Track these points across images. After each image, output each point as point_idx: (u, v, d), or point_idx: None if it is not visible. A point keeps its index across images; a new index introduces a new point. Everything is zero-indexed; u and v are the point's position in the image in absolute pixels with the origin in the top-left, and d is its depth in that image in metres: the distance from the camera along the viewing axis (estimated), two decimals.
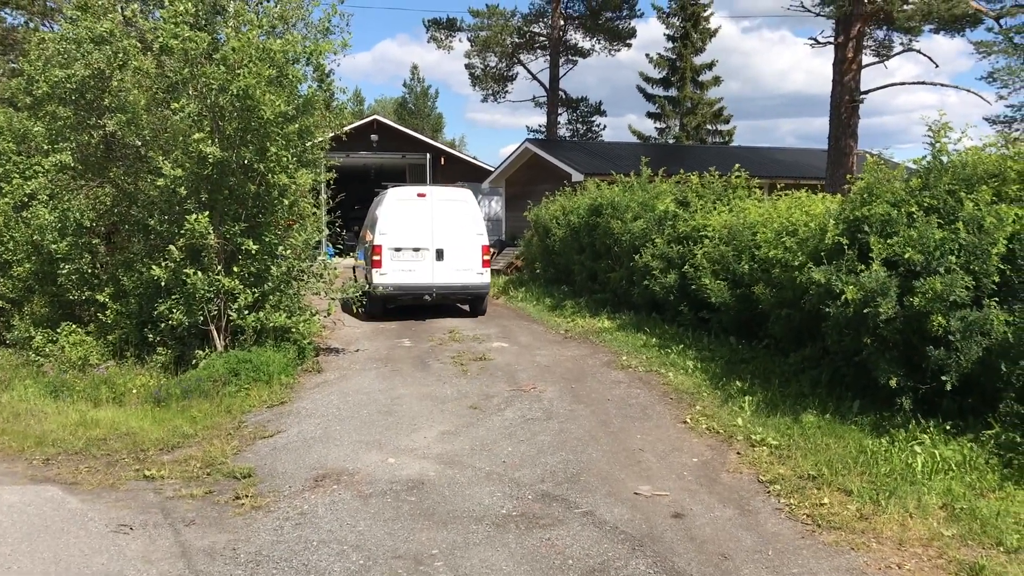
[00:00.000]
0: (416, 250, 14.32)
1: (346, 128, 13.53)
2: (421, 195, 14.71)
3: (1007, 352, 6.74)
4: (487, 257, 14.60)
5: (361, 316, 14.68)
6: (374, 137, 31.82)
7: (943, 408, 7.21)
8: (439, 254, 14.38)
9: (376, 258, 14.08)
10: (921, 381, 7.25)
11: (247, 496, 6.39)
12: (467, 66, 35.37)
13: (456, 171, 32.62)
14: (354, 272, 17.71)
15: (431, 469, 6.88)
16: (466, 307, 15.76)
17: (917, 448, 6.68)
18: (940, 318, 6.82)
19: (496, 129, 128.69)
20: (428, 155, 32.79)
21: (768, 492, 6.25)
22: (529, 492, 6.32)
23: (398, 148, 32.61)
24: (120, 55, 11.08)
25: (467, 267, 14.46)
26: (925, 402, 7.29)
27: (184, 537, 5.65)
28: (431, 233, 14.40)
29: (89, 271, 12.49)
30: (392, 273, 14.09)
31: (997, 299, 6.86)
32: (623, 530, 5.57)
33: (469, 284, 14.59)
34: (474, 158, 35.18)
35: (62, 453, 7.83)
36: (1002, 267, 6.92)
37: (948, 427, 7.00)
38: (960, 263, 7.00)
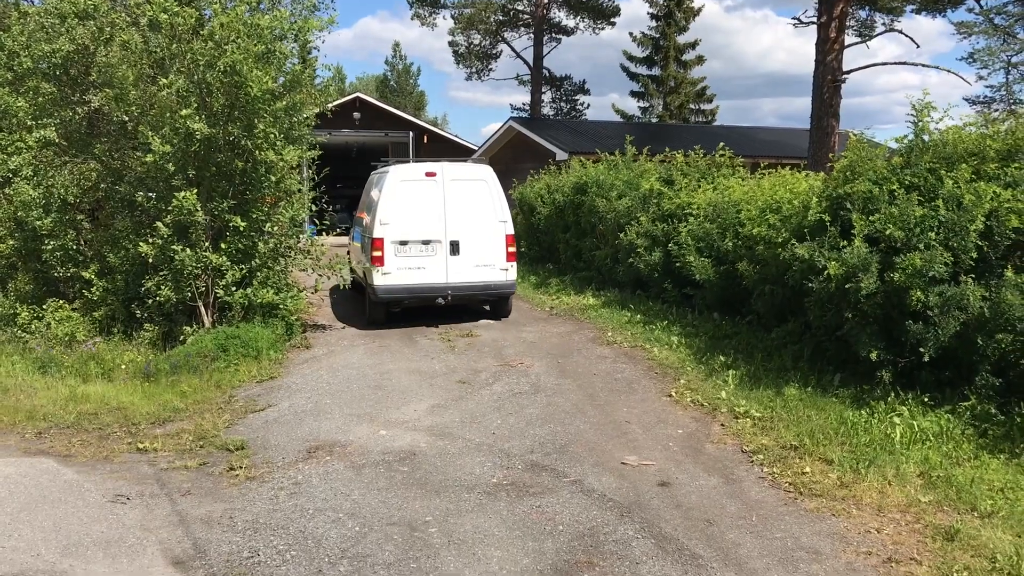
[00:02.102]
0: (426, 243, 11.52)
1: (330, 105, 13.44)
2: (430, 174, 11.73)
3: (983, 326, 6.93)
4: (512, 249, 11.87)
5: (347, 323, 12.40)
6: (357, 115, 31.65)
7: (921, 381, 7.40)
8: (454, 247, 11.57)
9: (377, 254, 11.34)
10: (900, 355, 7.44)
11: (241, 467, 6.49)
12: (451, 44, 35.24)
13: (439, 150, 32.50)
14: (348, 256, 14.86)
15: (422, 441, 7.00)
16: (486, 307, 12.94)
17: (896, 419, 6.86)
18: (919, 293, 6.99)
19: (478, 107, 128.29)
20: (411, 133, 32.66)
21: (751, 462, 6.42)
22: (519, 462, 6.46)
23: (381, 126, 32.45)
24: (107, 29, 11.03)
25: (488, 262, 11.71)
26: (904, 375, 7.48)
27: (181, 506, 5.75)
28: (444, 221, 11.56)
29: (74, 248, 12.45)
30: (397, 272, 11.39)
31: (974, 275, 7.04)
32: (611, 498, 5.72)
33: (491, 283, 11.78)
34: (457, 136, 35.10)
35: (54, 427, 7.88)
36: (980, 243, 7.10)
37: (926, 399, 7.19)
38: (939, 240, 7.17)
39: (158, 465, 6.68)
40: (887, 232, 7.35)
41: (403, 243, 11.48)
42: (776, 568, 4.71)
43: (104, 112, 11.90)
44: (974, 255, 7.11)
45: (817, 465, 6.22)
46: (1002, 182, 7.37)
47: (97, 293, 11.71)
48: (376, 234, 11.42)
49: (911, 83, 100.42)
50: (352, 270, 13.85)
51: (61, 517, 5.55)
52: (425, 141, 33.19)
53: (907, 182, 7.74)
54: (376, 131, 32.61)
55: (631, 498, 5.72)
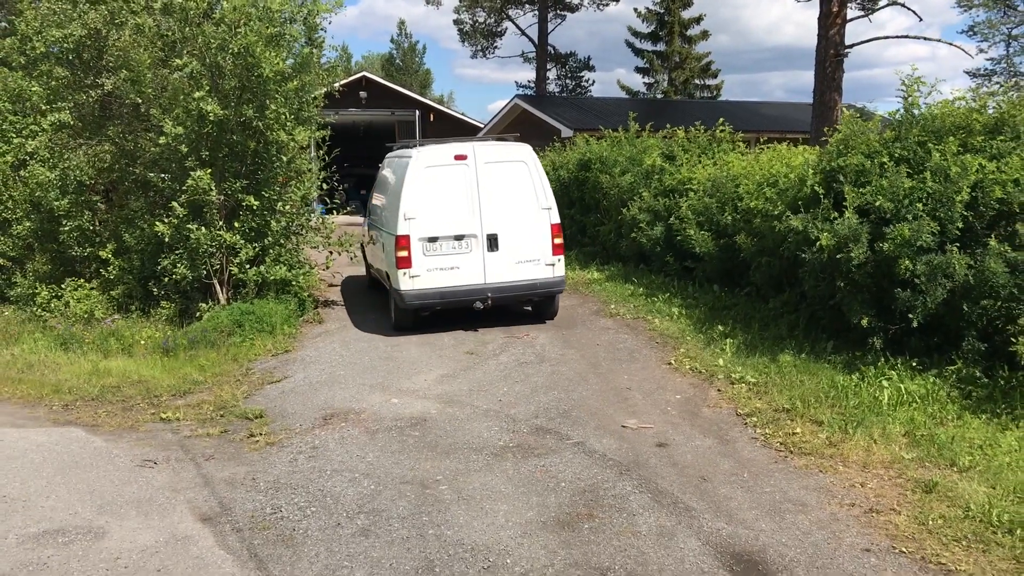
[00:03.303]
0: (459, 239, 9.91)
1: (336, 84, 13.63)
2: (460, 157, 10.08)
3: (969, 293, 7.22)
4: (559, 240, 10.28)
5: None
6: (363, 94, 31.81)
7: (910, 346, 7.70)
8: (492, 242, 9.97)
9: (402, 254, 9.78)
10: (891, 321, 7.74)
11: (261, 434, 6.84)
12: (456, 22, 35.40)
13: (445, 128, 32.68)
14: (363, 250, 13.53)
15: (432, 408, 7.35)
16: (527, 307, 11.30)
17: (885, 383, 7.17)
18: (908, 262, 7.28)
19: (484, 84, 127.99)
20: (417, 112, 32.83)
21: (745, 424, 6.75)
22: (524, 426, 6.80)
23: (387, 105, 32.61)
24: (122, 13, 11.30)
25: (532, 256, 10.09)
26: (894, 341, 7.78)
27: (205, 470, 6.10)
28: (479, 212, 9.97)
29: (90, 228, 12.80)
30: (427, 275, 9.81)
31: (960, 244, 7.32)
32: (611, 458, 6.06)
33: (537, 280, 10.14)
34: (463, 114, 35.26)
35: (79, 399, 8.25)
36: (965, 214, 7.37)
37: (914, 364, 7.49)
38: (927, 210, 7.44)
39: (181, 433, 7.04)
40: (877, 204, 7.63)
41: (432, 240, 9.85)
42: (764, 519, 5.04)
43: (117, 95, 12.18)
44: (960, 225, 7.38)
45: (807, 426, 6.55)
46: (987, 154, 7.63)
47: (114, 272, 12.07)
48: (400, 230, 9.81)
49: (920, 55, 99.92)
50: (369, 265, 13.04)
51: (94, 480, 5.92)
52: (431, 119, 33.36)
53: (897, 155, 8.00)
54: (382, 110, 32.78)
55: (630, 458, 6.06)
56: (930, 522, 4.92)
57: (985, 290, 7.15)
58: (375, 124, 35.81)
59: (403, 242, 9.83)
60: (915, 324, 7.35)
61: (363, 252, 13.49)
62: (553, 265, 10.21)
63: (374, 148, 35.36)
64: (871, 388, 7.16)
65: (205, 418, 7.44)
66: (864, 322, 7.66)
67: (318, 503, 5.40)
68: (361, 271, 14.56)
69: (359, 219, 14.49)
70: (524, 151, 10.46)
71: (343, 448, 6.43)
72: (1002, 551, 4.55)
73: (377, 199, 12.25)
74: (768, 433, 6.50)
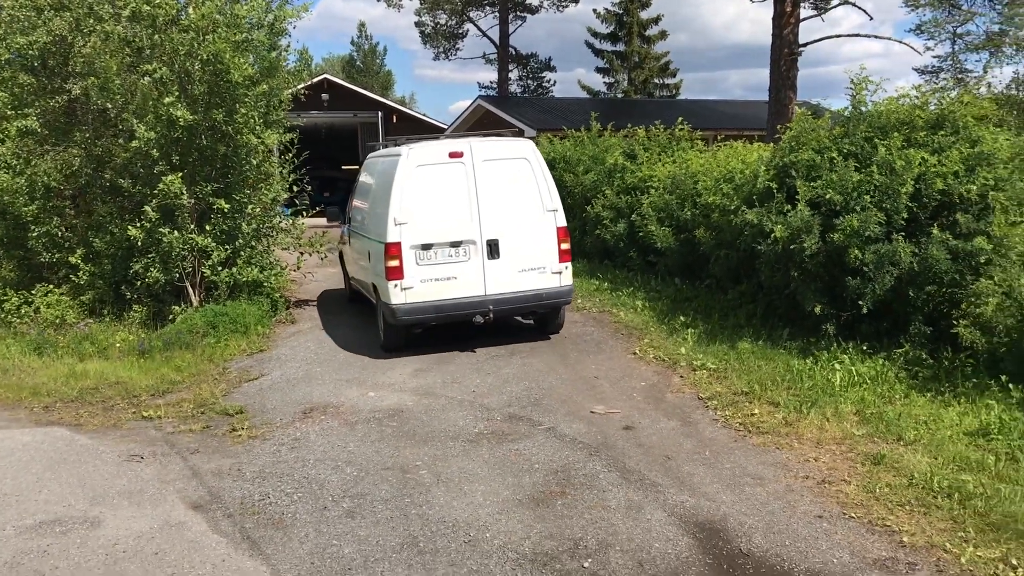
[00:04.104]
0: (455, 245, 9.01)
1: (300, 86, 13.75)
2: (455, 154, 9.16)
3: (914, 280, 7.67)
4: (567, 245, 9.37)
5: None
6: (325, 96, 31.87)
7: (861, 331, 8.14)
8: (492, 248, 9.07)
9: (392, 264, 8.84)
10: (842, 308, 8.17)
11: (243, 428, 7.07)
12: (417, 24, 35.58)
13: (408, 129, 32.79)
14: (341, 259, 12.89)
15: (408, 400, 7.63)
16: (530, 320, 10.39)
17: (837, 366, 7.60)
18: (857, 251, 7.71)
19: (445, 85, 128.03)
20: (380, 113, 32.94)
21: (706, 407, 7.13)
22: (498, 415, 7.11)
23: (349, 107, 32.69)
24: (90, 20, 11.40)
25: (537, 264, 9.21)
26: (846, 327, 8.21)
27: (191, 462, 6.33)
28: (477, 215, 9.06)
29: (59, 234, 12.85)
30: (421, 286, 8.89)
31: (905, 233, 7.76)
32: (581, 441, 6.40)
33: (543, 290, 9.24)
34: (426, 115, 35.46)
35: (59, 401, 8.39)
36: (910, 205, 7.81)
37: (865, 347, 7.94)
38: (874, 202, 7.88)
39: (164, 430, 7.24)
40: (827, 196, 8.05)
41: (426, 247, 8.91)
42: (725, 491, 5.40)
43: (83, 101, 12.26)
44: (905, 216, 7.82)
45: (765, 407, 6.94)
46: (930, 149, 8.08)
47: (84, 277, 12.13)
48: (390, 237, 8.84)
49: (875, 51, 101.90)
50: (350, 277, 12.15)
51: (83, 474, 6.12)
52: (394, 121, 33.49)
53: (845, 150, 8.44)
54: (345, 112, 32.86)
55: (599, 440, 6.39)
56: (877, 490, 5.31)
57: (929, 276, 7.60)
58: (337, 126, 35.87)
59: (393, 250, 8.86)
60: (865, 310, 7.78)
61: (341, 261, 12.76)
62: (560, 273, 9.30)
63: (336, 150, 35.50)
64: (824, 371, 7.57)
65: (186, 415, 7.64)
66: (817, 309, 8.08)
67: (304, 489, 5.66)
68: (337, 284, 14.42)
69: (323, 221, 14.03)
70: (526, 147, 9.59)
71: (324, 439, 6.69)
72: (941, 513, 4.95)
73: (360, 203, 11.24)
74: (728, 415, 6.88)
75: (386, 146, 10.43)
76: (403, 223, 8.90)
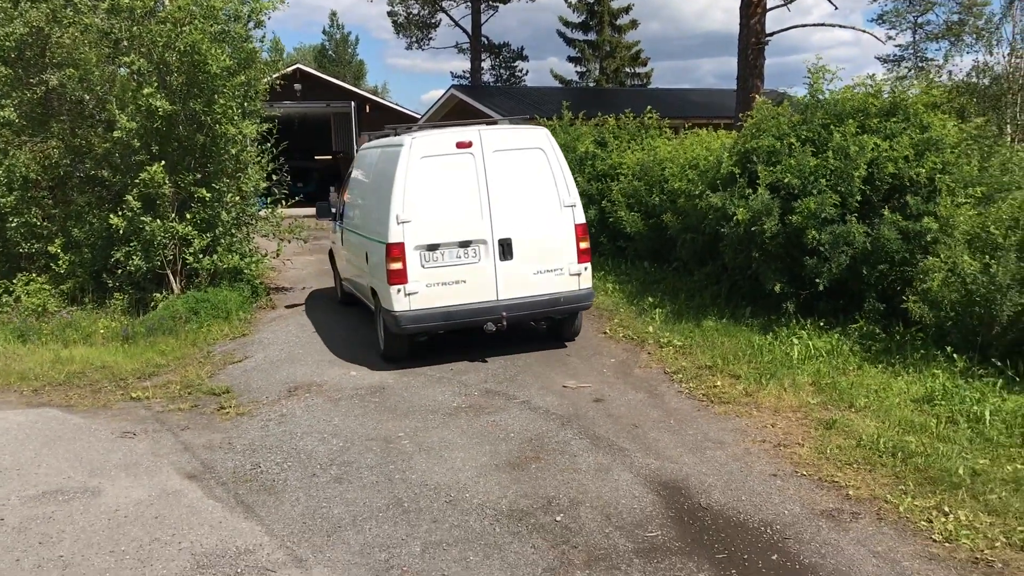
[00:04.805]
0: (465, 245, 8.19)
1: (275, 76, 13.90)
2: (463, 144, 8.32)
3: (868, 259, 8.11)
4: (586, 244, 8.60)
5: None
6: (297, 87, 31.90)
7: (819, 309, 8.59)
8: (504, 248, 8.24)
9: (395, 267, 8.02)
10: (801, 287, 8.60)
11: (230, 406, 7.38)
12: (390, 14, 35.64)
13: (382, 119, 32.94)
14: (331, 259, 12.28)
15: (389, 378, 7.97)
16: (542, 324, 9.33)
17: (795, 341, 8.03)
18: (814, 232, 8.14)
19: (416, 74, 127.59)
20: (353, 103, 33.03)
21: (672, 380, 7.54)
22: (475, 390, 7.47)
23: (322, 97, 32.74)
24: (68, 11, 11.57)
25: (553, 265, 8.40)
26: (805, 305, 8.65)
27: (183, 438, 6.63)
28: (488, 212, 8.24)
29: (37, 224, 13.00)
30: (426, 291, 8.07)
31: (859, 215, 8.20)
32: (554, 412, 6.78)
33: (560, 294, 8.42)
34: (399, 105, 35.62)
35: (47, 385, 8.64)
36: (863, 188, 8.25)
37: (822, 323, 8.39)
38: (830, 185, 8.31)
39: (153, 409, 7.53)
40: (786, 181, 8.47)
41: (432, 248, 8.10)
42: (688, 455, 5.80)
43: (61, 92, 12.41)
44: (859, 198, 8.26)
45: (727, 380, 7.36)
46: (882, 135, 8.52)
47: (64, 266, 12.32)
48: (392, 237, 8.03)
49: (846, 39, 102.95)
50: (343, 278, 11.30)
51: (79, 450, 6.41)
52: (367, 111, 33.61)
53: (803, 137, 8.86)
54: (317, 102, 32.92)
55: (570, 412, 6.78)
56: (828, 451, 5.73)
57: (882, 256, 8.05)
58: (310, 116, 35.91)
59: (396, 251, 8.01)
60: (822, 288, 8.22)
61: (331, 261, 12.27)
62: (579, 275, 8.50)
63: (309, 141, 35.54)
64: (783, 346, 8.01)
65: (174, 395, 7.93)
66: (777, 288, 8.51)
67: (293, 459, 5.99)
68: (318, 275, 14.47)
69: (299, 212, 13.97)
70: (540, 135, 8.67)
71: (309, 414, 7.02)
72: (884, 470, 5.38)
73: (354, 198, 10.28)
74: (692, 387, 7.29)
75: (392, 134, 9.42)
76: (406, 221, 8.03)
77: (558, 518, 4.89)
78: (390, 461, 5.87)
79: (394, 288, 8.03)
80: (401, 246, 8.03)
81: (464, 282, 8.19)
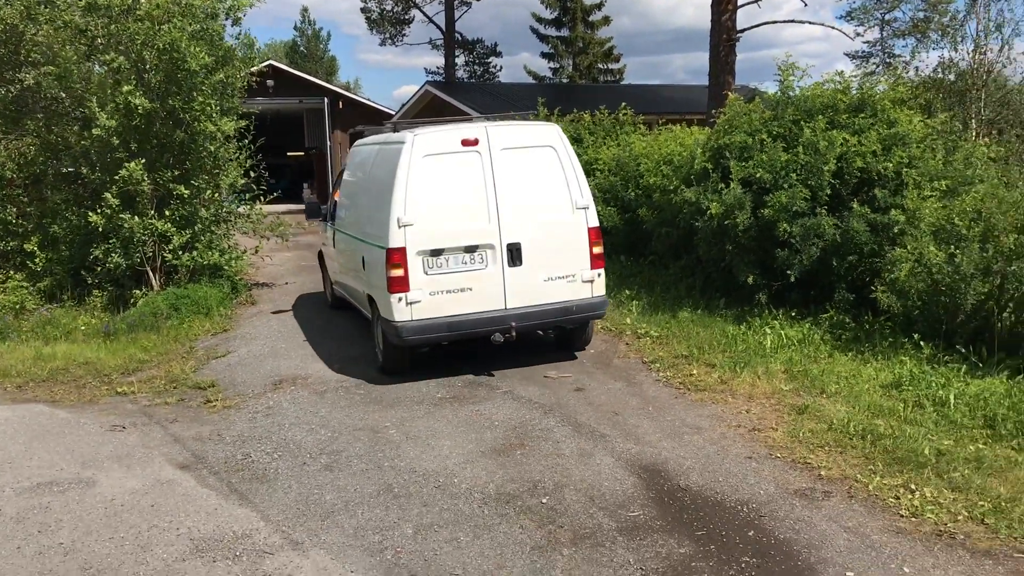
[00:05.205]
0: (471, 250, 7.67)
1: (252, 69, 13.89)
2: (469, 142, 7.75)
3: (837, 250, 8.38)
4: (599, 249, 8.10)
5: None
6: (270, 83, 31.79)
7: (791, 299, 8.85)
8: (513, 253, 7.72)
9: (396, 273, 7.48)
10: (773, 279, 8.86)
11: (216, 400, 7.49)
12: (363, 10, 35.64)
13: (355, 115, 32.93)
14: (320, 261, 11.93)
15: (374, 372, 8.11)
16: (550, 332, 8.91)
17: (768, 330, 8.29)
18: (785, 225, 8.39)
19: (388, 70, 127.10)
20: (326, 99, 32.94)
21: (650, 369, 7.76)
22: (459, 381, 7.64)
23: (294, 93, 32.61)
24: (42, 8, 11.56)
25: (565, 271, 7.89)
26: (777, 295, 8.92)
27: (172, 430, 6.74)
28: (496, 215, 7.70)
29: (12, 221, 12.95)
30: (430, 300, 7.55)
31: (828, 208, 8.47)
32: (536, 401, 6.97)
33: (572, 302, 7.92)
34: (372, 101, 35.57)
35: (31, 381, 8.67)
36: (833, 181, 8.52)
37: (794, 314, 8.65)
38: (800, 180, 8.57)
39: (140, 403, 7.62)
40: (758, 175, 8.72)
41: (436, 253, 7.58)
42: (666, 440, 6.01)
43: (34, 89, 12.38)
44: (828, 192, 8.53)
45: (702, 368, 7.59)
46: (851, 130, 8.81)
47: (40, 264, 12.30)
48: (393, 242, 7.48)
49: (816, 35, 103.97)
50: (334, 281, 10.85)
51: (70, 443, 6.50)
52: (340, 107, 33.56)
53: (774, 132, 9.12)
54: (290, 98, 32.79)
55: (552, 401, 6.97)
56: (801, 435, 5.96)
57: (851, 247, 8.32)
58: (283, 113, 35.77)
59: (396, 257, 7.48)
60: (793, 279, 8.49)
61: (321, 263, 11.90)
62: (592, 282, 8.01)
63: (281, 138, 35.40)
64: (756, 335, 8.26)
65: (159, 390, 8.01)
66: (750, 280, 8.77)
67: (283, 449, 6.13)
68: (304, 279, 14.33)
69: (275, 208, 13.83)
70: (551, 132, 8.14)
71: (296, 407, 7.15)
72: (855, 451, 5.62)
73: (348, 198, 9.75)
74: (669, 376, 7.51)
75: (383, 131, 8.78)
76: (408, 225, 7.47)
77: (544, 500, 5.08)
78: (378, 450, 6.02)
79: (394, 296, 7.48)
80: (402, 251, 7.49)
81: (470, 290, 7.65)
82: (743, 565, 4.26)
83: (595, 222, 8.08)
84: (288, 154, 35.07)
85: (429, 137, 7.79)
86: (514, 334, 7.66)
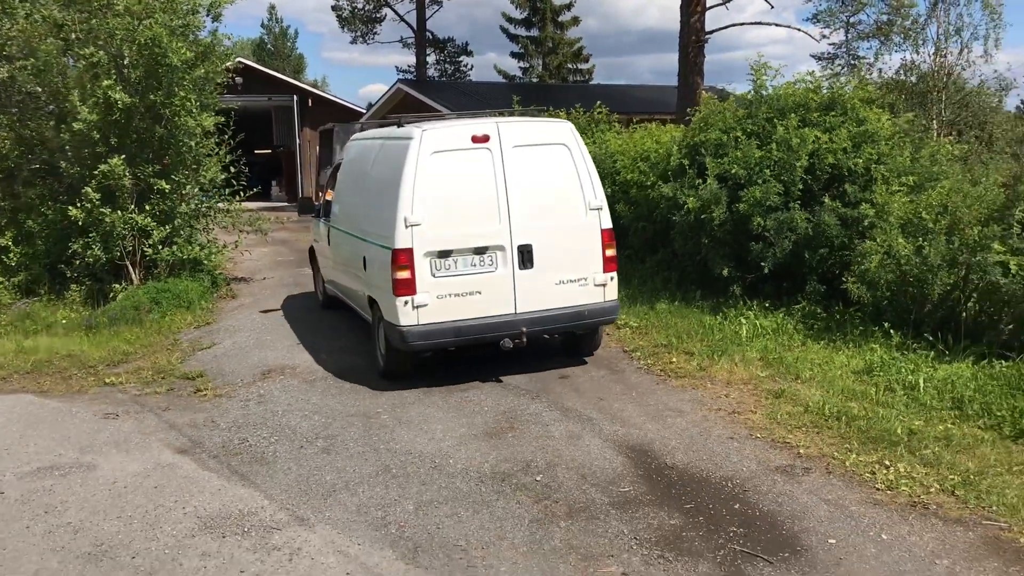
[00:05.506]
0: (480, 252, 7.32)
1: (227, 65, 13.91)
2: (480, 139, 7.39)
3: (810, 244, 8.69)
4: (612, 252, 7.75)
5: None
6: (239, 80, 31.64)
7: (764, 291, 9.16)
8: (524, 255, 7.36)
9: (402, 275, 7.12)
10: (747, 271, 9.16)
11: (207, 389, 7.60)
12: (334, 8, 35.62)
13: (325, 113, 32.88)
14: (311, 257, 11.57)
15: (360, 361, 8.27)
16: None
17: (743, 320, 8.58)
18: (759, 219, 8.68)
19: (354, 68, 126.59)
20: (295, 97, 32.79)
21: (631, 357, 8.02)
22: (448, 370, 7.82)
23: (263, 90, 32.47)
24: (16, 2, 11.54)
25: (577, 274, 7.54)
26: (751, 287, 9.22)
27: (166, 418, 6.85)
28: (506, 215, 7.35)
29: None
30: (437, 303, 7.19)
31: (801, 203, 8.78)
32: (523, 388, 7.19)
33: (584, 307, 7.55)
34: (342, 99, 35.51)
35: (15, 373, 8.68)
36: (805, 177, 8.84)
37: (767, 304, 8.95)
38: (774, 175, 8.87)
39: (130, 393, 7.70)
40: (733, 171, 9.01)
41: (444, 254, 7.23)
42: (651, 422, 6.26)
43: (8, 84, 12.32)
44: (801, 187, 8.84)
45: (682, 356, 7.86)
46: (822, 128, 9.13)
47: (15, 259, 12.26)
48: (399, 242, 7.12)
49: (779, 37, 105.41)
50: (327, 280, 10.47)
51: (65, 431, 6.59)
52: (310, 104, 33.49)
53: (748, 130, 9.42)
54: (259, 96, 32.63)
55: (539, 387, 7.20)
56: (779, 417, 6.24)
57: (822, 240, 8.64)
58: (250, 110, 35.47)
59: (403, 259, 7.11)
60: (767, 271, 8.79)
61: (312, 260, 11.57)
62: (604, 285, 7.64)
63: (249, 135, 35.25)
64: (732, 325, 8.55)
65: (148, 380, 8.09)
66: (725, 272, 9.06)
67: (279, 434, 6.28)
68: (282, 273, 14.39)
69: (250, 205, 13.72)
70: (565, 130, 7.80)
71: (287, 395, 7.30)
72: (831, 432, 5.91)
73: (348, 194, 9.28)
74: (650, 363, 7.77)
75: (385, 125, 8.19)
76: (415, 224, 7.10)
77: (538, 478, 5.29)
78: (373, 433, 6.20)
79: (400, 300, 7.12)
80: (409, 252, 7.11)
81: (479, 293, 7.29)
82: (731, 534, 4.50)
83: (609, 223, 7.75)
84: (255, 152, 34.92)
85: (438, 133, 7.42)
86: (524, 340, 7.32)
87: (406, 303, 7.12)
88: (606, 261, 7.65)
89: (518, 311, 7.36)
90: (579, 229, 7.58)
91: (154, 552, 4.46)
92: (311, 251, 11.47)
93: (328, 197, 10.29)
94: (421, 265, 7.14)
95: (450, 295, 7.23)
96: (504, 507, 4.90)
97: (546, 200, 7.51)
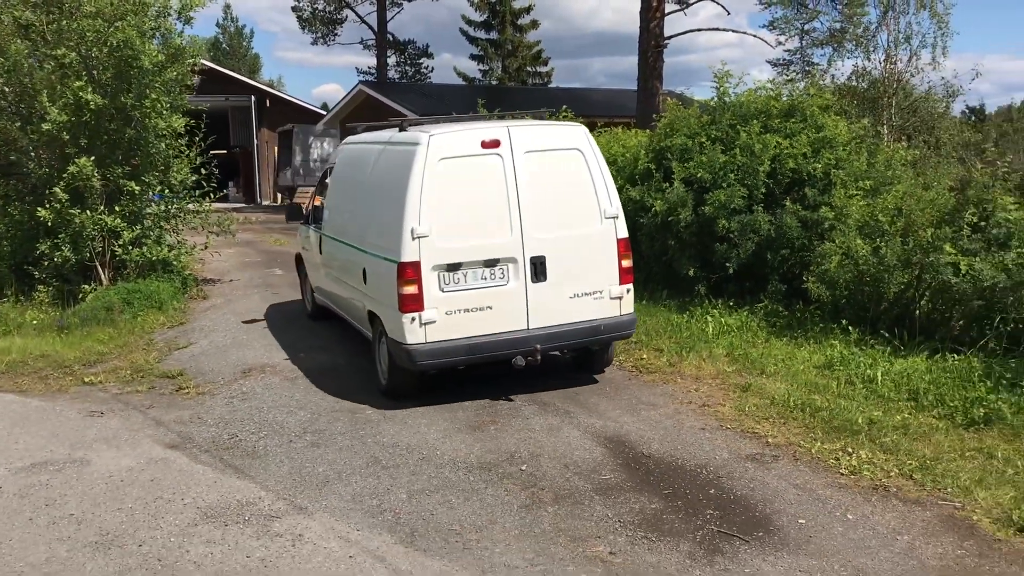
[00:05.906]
0: (491, 264, 6.86)
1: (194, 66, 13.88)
2: (490, 144, 6.91)
3: (772, 245, 9.07)
4: (628, 262, 7.38)
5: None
6: (196, 79, 31.43)
7: (728, 290, 9.52)
8: (537, 268, 6.92)
9: (409, 290, 6.65)
10: (712, 271, 9.51)
11: (189, 387, 7.73)
12: (294, 8, 35.60)
13: (283, 114, 32.79)
14: (298, 265, 11.09)
15: (340, 359, 8.46)
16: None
17: (709, 319, 8.92)
18: (724, 221, 9.04)
19: (308, 68, 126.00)
20: (252, 97, 32.63)
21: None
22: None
23: (220, 90, 32.24)
24: None
25: (592, 287, 7.14)
26: (716, 287, 9.57)
27: (151, 415, 6.98)
28: (519, 225, 6.90)
29: None
30: (446, 320, 6.74)
31: (763, 205, 9.16)
32: (502, 384, 7.42)
33: (599, 321, 7.15)
34: (300, 100, 35.47)
35: None
36: (767, 181, 9.22)
37: (732, 303, 9.31)
38: (737, 179, 9.23)
39: (111, 392, 7.80)
40: (699, 175, 9.36)
41: (453, 267, 6.77)
42: (626, 415, 6.56)
43: None
44: (763, 190, 9.22)
45: (652, 353, 8.18)
46: (783, 134, 9.52)
47: None
48: (407, 255, 6.64)
49: (731, 41, 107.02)
50: (319, 290, 9.87)
51: (53, 428, 6.68)
52: (268, 105, 33.35)
53: (713, 135, 9.79)
54: (216, 96, 32.35)
55: (517, 383, 7.43)
56: (746, 409, 6.58)
57: (783, 242, 9.02)
58: (209, 111, 35.29)
59: (410, 272, 6.64)
60: (731, 272, 9.15)
61: (299, 268, 11.13)
62: (620, 298, 7.26)
63: (205, 135, 35.04)
64: (699, 323, 8.89)
65: (127, 379, 8.18)
66: (691, 272, 9.41)
67: (268, 429, 6.46)
68: (250, 273, 14.72)
69: (222, 205, 13.74)
70: (579, 134, 7.36)
71: (270, 392, 7.46)
72: (796, 422, 6.25)
73: (344, 201, 8.80)
74: (621, 360, 8.07)
75: (398, 128, 7.76)
76: (423, 235, 6.63)
77: (523, 468, 5.55)
78: (360, 427, 6.41)
79: (407, 316, 6.65)
80: (417, 266, 6.64)
81: (490, 308, 6.85)
82: (708, 516, 4.81)
83: (625, 232, 7.34)
84: (211, 152, 34.58)
85: (446, 138, 6.91)
86: (538, 357, 6.88)
87: (413, 320, 6.67)
88: (622, 272, 7.28)
89: (531, 327, 6.95)
90: (594, 239, 7.16)
91: (160, 540, 4.63)
92: (298, 258, 11.13)
93: (317, 203, 10.06)
94: (429, 279, 6.68)
95: (459, 311, 6.78)
96: (493, 494, 5.15)
97: (559, 208, 7.08)
